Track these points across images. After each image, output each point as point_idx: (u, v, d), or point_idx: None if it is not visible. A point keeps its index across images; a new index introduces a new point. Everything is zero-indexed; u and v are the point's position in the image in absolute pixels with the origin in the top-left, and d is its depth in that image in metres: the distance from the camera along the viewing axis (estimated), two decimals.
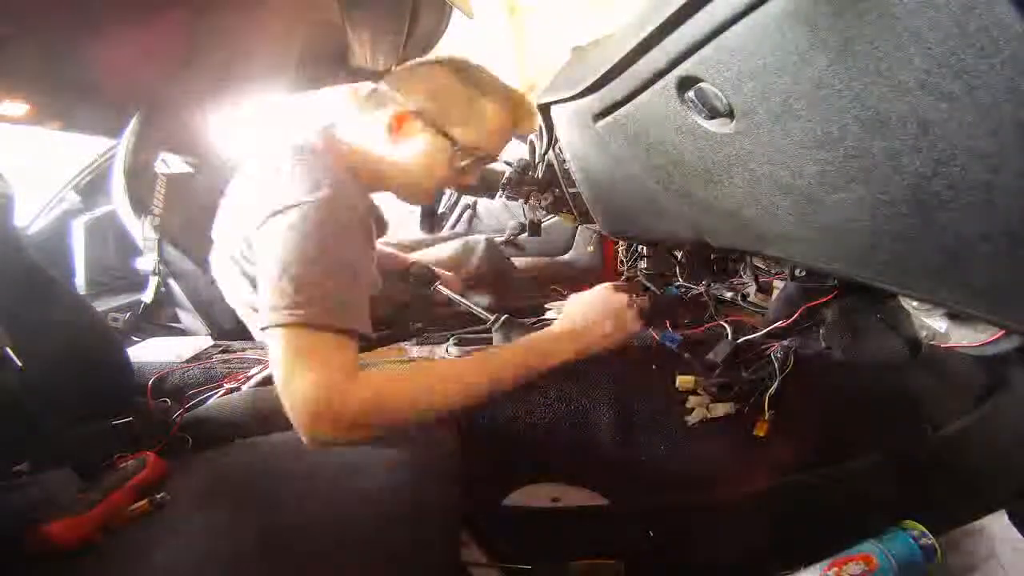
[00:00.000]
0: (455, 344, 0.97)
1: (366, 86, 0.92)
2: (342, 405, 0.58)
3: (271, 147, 0.82)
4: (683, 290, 1.20)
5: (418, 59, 0.91)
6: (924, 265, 0.42)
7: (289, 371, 0.60)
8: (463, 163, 0.88)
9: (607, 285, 0.81)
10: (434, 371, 0.70)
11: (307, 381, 0.59)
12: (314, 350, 0.62)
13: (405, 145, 0.85)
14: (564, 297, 1.07)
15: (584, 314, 0.77)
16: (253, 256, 0.78)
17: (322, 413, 0.58)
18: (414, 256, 1.29)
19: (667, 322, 1.01)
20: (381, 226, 1.00)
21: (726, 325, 1.00)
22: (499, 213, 1.93)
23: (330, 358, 0.62)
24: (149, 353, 1.03)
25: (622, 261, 1.44)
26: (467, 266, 1.35)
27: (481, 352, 0.74)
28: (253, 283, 0.83)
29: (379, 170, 0.87)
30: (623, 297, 0.79)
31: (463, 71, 0.86)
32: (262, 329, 0.65)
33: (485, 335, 0.95)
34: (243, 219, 0.80)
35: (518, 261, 1.70)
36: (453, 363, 0.73)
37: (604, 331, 0.76)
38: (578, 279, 1.75)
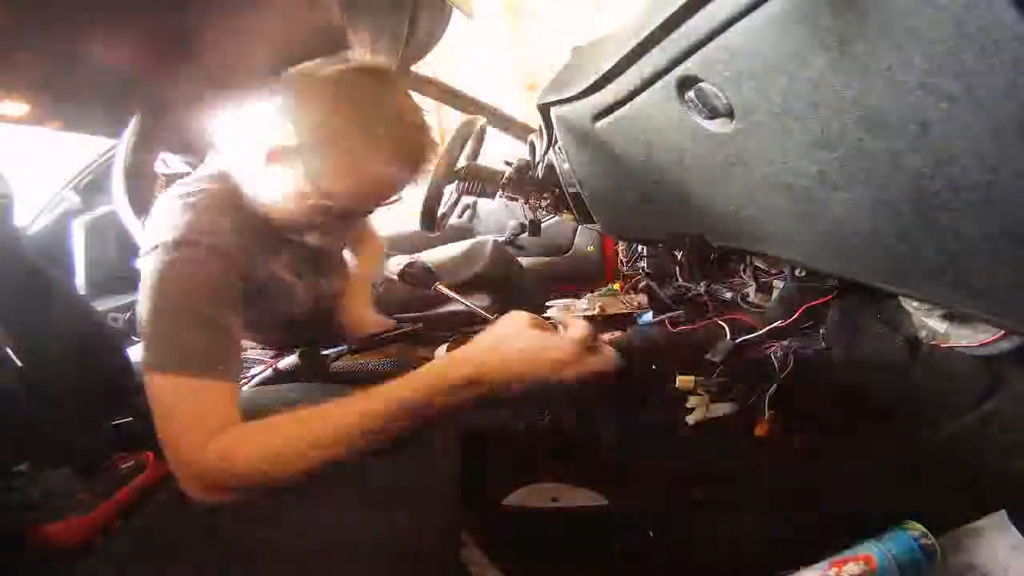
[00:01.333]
0: (454, 344, 0.97)
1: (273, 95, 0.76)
2: (196, 468, 0.57)
3: (170, 192, 0.76)
4: (682, 290, 1.20)
5: (306, 67, 0.75)
6: (924, 265, 0.42)
7: (157, 424, 0.60)
8: (332, 210, 0.73)
9: (531, 322, 0.61)
10: (300, 426, 0.59)
11: (165, 437, 0.59)
12: (167, 398, 0.61)
13: (274, 178, 0.72)
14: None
15: (499, 350, 0.60)
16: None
17: (184, 477, 0.57)
18: (421, 256, 1.29)
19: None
20: (325, 260, 0.92)
21: (724, 325, 1.00)
22: (499, 213, 1.93)
23: (183, 412, 0.60)
24: None
25: (622, 261, 1.44)
26: (475, 267, 1.35)
27: (358, 400, 0.59)
28: None
29: (254, 202, 0.75)
30: (563, 344, 0.58)
31: (350, 101, 0.69)
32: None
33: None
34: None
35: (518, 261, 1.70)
36: (334, 409, 0.59)
37: (516, 375, 0.58)
38: (578, 279, 1.75)
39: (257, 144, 0.73)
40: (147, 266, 0.68)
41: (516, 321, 0.61)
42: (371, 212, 0.81)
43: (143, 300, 0.66)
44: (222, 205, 0.73)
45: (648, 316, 0.99)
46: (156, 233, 0.69)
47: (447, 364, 0.60)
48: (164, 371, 0.62)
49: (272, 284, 0.80)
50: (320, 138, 0.69)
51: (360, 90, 0.70)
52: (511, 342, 0.59)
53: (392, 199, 0.77)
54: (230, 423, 0.60)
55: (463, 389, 0.58)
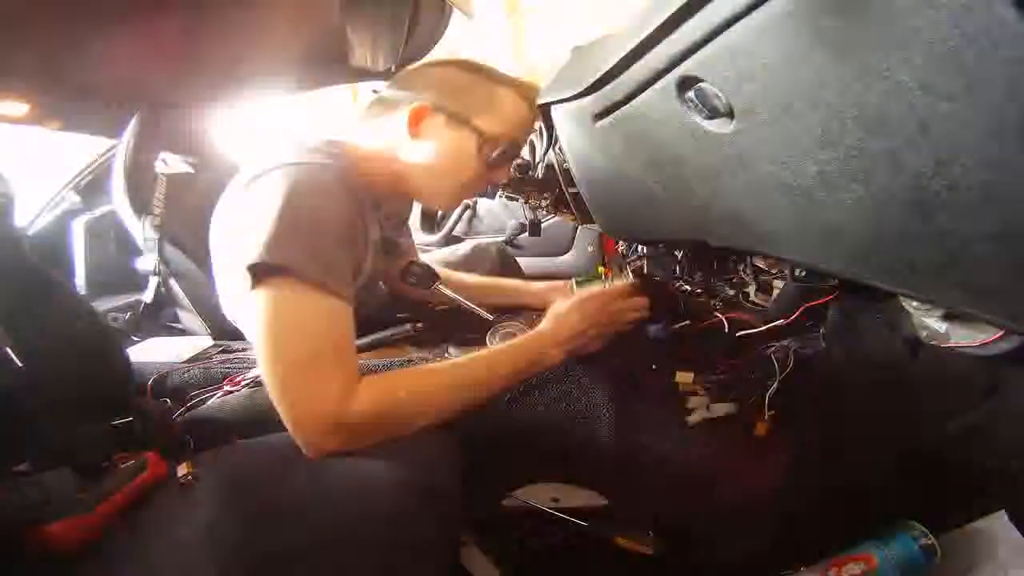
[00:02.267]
0: (455, 345, 0.97)
1: (373, 95, 0.88)
2: (345, 419, 0.56)
3: (269, 147, 0.81)
4: (683, 290, 1.20)
5: (421, 62, 0.91)
6: (924, 265, 0.42)
7: (282, 369, 0.57)
8: (493, 155, 0.83)
9: (589, 291, 0.83)
10: (433, 376, 0.69)
11: (305, 393, 0.56)
12: (310, 328, 0.57)
13: (427, 144, 0.80)
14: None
15: (568, 320, 0.78)
16: (237, 220, 0.72)
17: (324, 428, 0.56)
18: (424, 258, 1.29)
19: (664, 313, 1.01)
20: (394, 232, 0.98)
21: (724, 321, 1.00)
22: (499, 213, 1.93)
23: (329, 351, 0.58)
24: (149, 353, 1.03)
25: (623, 261, 1.44)
26: (479, 270, 1.34)
27: (476, 355, 0.72)
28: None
29: (398, 176, 0.83)
30: (608, 296, 0.82)
31: (472, 65, 0.85)
32: (249, 268, 0.59)
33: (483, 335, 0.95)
34: (232, 195, 0.78)
35: (519, 262, 1.70)
36: (451, 367, 0.71)
37: (588, 335, 0.78)
38: None
39: (386, 123, 0.81)
40: (273, 181, 0.65)
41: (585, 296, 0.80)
42: (517, 156, 0.91)
43: (271, 209, 0.62)
44: (334, 163, 0.75)
45: (661, 329, 1.00)
46: (275, 159, 0.69)
47: (533, 342, 0.76)
48: (305, 280, 0.58)
49: (360, 258, 0.81)
50: (468, 88, 0.81)
51: (471, 60, 0.86)
52: (576, 300, 0.79)
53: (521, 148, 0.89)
54: (355, 371, 0.61)
55: (548, 359, 0.75)
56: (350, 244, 0.70)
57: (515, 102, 0.84)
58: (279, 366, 0.57)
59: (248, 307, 0.61)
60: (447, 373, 0.69)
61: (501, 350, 0.75)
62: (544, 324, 0.79)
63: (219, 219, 0.84)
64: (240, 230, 0.66)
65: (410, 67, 0.89)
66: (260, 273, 0.59)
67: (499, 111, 0.82)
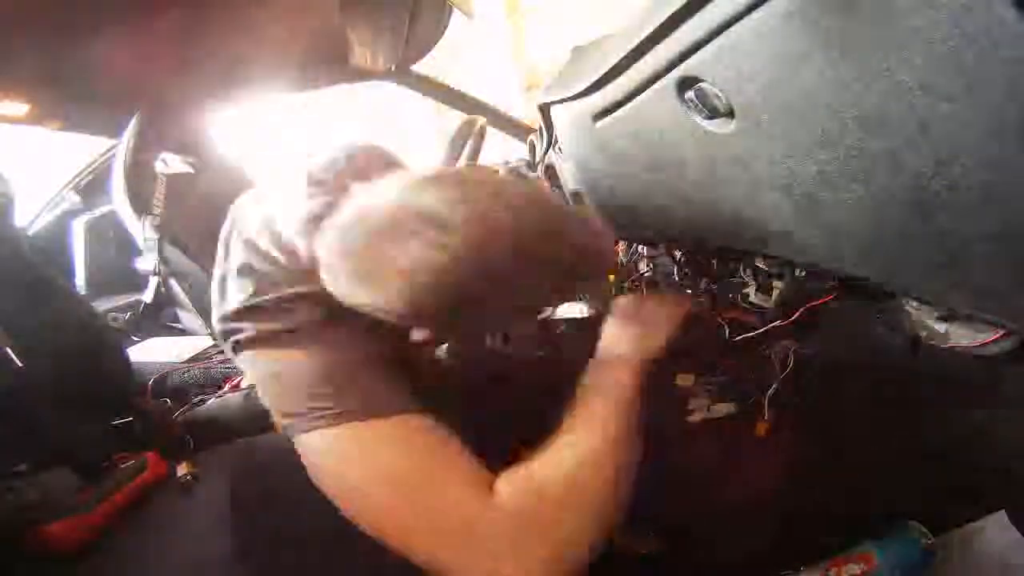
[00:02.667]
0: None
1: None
2: (500, 524, 0.44)
3: (290, 170, 0.62)
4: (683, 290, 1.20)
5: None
6: (924, 265, 0.42)
7: (394, 515, 0.45)
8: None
9: (631, 297, 0.73)
10: (565, 438, 0.53)
11: (446, 523, 0.44)
12: (401, 460, 0.46)
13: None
14: None
15: (630, 328, 0.67)
16: None
17: (485, 544, 0.43)
18: None
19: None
20: None
21: (723, 323, 1.00)
22: None
23: (444, 464, 0.47)
24: (149, 353, 1.03)
25: (622, 262, 1.44)
26: None
27: (589, 397, 0.58)
28: None
29: None
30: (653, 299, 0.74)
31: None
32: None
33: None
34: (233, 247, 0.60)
35: None
36: (574, 419, 0.56)
37: (655, 333, 0.67)
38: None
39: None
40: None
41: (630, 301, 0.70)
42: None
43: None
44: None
45: None
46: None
47: (632, 348, 0.66)
48: (366, 419, 0.46)
49: None
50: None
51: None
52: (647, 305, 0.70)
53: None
54: (481, 475, 0.47)
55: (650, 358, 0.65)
56: (367, 345, 0.53)
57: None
58: (404, 537, 0.46)
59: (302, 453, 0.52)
60: (575, 430, 0.54)
61: (594, 385, 0.60)
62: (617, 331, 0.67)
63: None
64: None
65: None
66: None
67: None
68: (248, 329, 0.52)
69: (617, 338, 0.66)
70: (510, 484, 0.47)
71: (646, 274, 1.18)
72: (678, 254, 1.16)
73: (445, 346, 0.87)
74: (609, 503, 0.50)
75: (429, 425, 0.49)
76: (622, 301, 0.72)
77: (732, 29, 0.39)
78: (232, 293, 0.55)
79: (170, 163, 1.22)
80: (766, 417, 0.84)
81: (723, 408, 0.87)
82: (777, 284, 1.04)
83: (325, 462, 0.48)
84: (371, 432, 0.46)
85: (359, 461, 0.46)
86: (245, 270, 0.55)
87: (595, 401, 0.57)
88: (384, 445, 0.46)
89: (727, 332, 0.99)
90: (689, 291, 1.06)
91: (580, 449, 0.51)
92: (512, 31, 3.05)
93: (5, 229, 0.72)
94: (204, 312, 1.16)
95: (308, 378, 0.49)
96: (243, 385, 0.86)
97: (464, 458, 0.48)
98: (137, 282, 1.31)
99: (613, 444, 0.53)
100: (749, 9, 0.36)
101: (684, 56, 0.45)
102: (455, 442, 0.50)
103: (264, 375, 0.52)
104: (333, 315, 0.52)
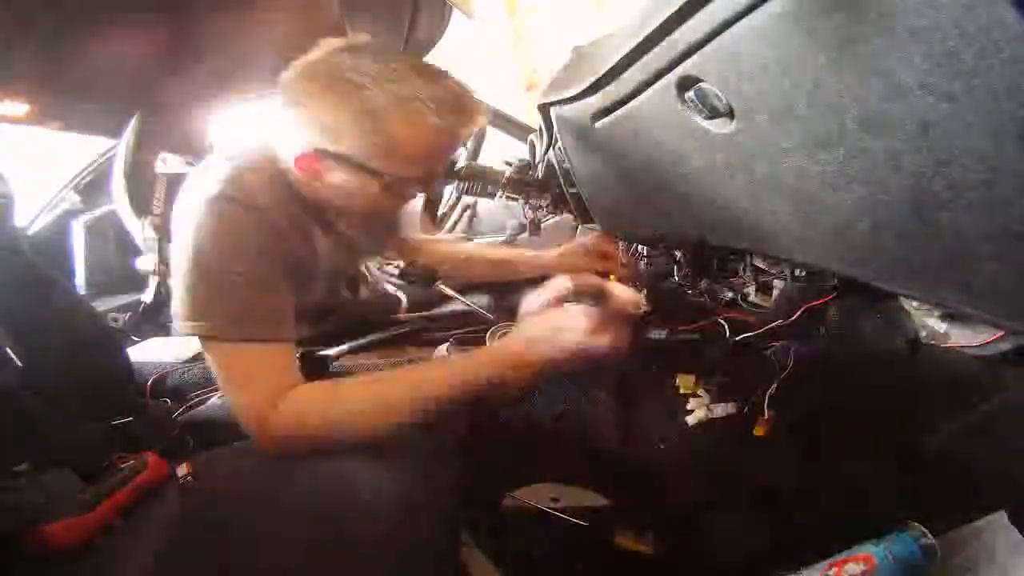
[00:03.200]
0: (454, 344, 0.97)
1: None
2: (267, 426, 0.61)
3: (215, 154, 0.77)
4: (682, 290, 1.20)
5: (295, 68, 0.68)
6: (924, 265, 0.42)
7: (223, 388, 0.66)
8: (404, 191, 0.73)
9: (574, 310, 0.67)
10: (383, 384, 0.66)
11: (237, 403, 0.63)
12: (234, 366, 0.65)
13: (326, 184, 0.70)
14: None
15: (541, 334, 0.66)
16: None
17: (254, 432, 0.62)
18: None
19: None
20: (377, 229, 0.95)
21: (724, 324, 1.00)
22: (499, 213, 1.93)
23: (251, 377, 0.64)
24: (149, 353, 1.03)
25: (622, 262, 1.44)
26: (476, 270, 1.34)
27: (412, 369, 0.74)
28: None
29: (313, 196, 0.73)
30: (583, 318, 0.65)
31: (346, 86, 0.64)
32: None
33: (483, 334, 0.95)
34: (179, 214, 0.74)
35: None
36: (405, 375, 0.68)
37: (557, 352, 0.64)
38: None
39: (283, 157, 0.71)
40: (192, 221, 0.66)
41: (567, 314, 0.67)
42: (434, 178, 0.76)
43: (187, 262, 0.65)
44: (267, 172, 0.70)
45: (662, 332, 1.00)
46: (200, 187, 0.68)
47: (502, 347, 0.68)
48: (229, 341, 0.64)
49: (308, 263, 0.77)
50: (358, 128, 0.64)
51: (353, 70, 0.64)
52: (552, 320, 0.67)
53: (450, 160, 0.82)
54: (295, 382, 0.65)
55: (517, 368, 0.65)
56: (265, 278, 0.66)
57: (414, 134, 0.65)
58: (223, 390, 0.68)
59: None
60: (384, 383, 0.66)
61: (464, 358, 0.69)
62: (492, 343, 0.77)
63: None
64: (174, 275, 0.69)
65: (287, 78, 0.69)
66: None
67: (395, 150, 0.66)
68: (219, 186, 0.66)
69: (520, 334, 0.68)
70: (289, 403, 0.62)
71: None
72: (678, 254, 1.16)
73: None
74: (348, 439, 0.62)
75: (272, 352, 0.65)
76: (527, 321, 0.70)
77: (732, 29, 0.39)
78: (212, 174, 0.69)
79: (170, 163, 1.22)
80: (766, 417, 0.84)
81: (723, 408, 0.87)
82: (777, 284, 1.04)
83: (204, 350, 0.67)
84: (230, 349, 0.65)
85: (222, 361, 0.65)
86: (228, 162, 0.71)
87: (436, 375, 0.66)
88: (239, 357, 0.65)
89: (727, 332, 0.99)
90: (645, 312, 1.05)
91: (377, 406, 0.63)
92: (512, 31, 3.05)
93: (5, 229, 0.72)
94: None
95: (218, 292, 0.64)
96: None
97: (274, 378, 0.64)
98: (137, 282, 1.31)
99: (406, 416, 0.63)
100: (749, 9, 0.36)
101: (684, 56, 0.45)
102: (288, 362, 0.67)
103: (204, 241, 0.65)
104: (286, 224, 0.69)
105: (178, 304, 0.66)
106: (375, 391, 0.65)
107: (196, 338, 0.67)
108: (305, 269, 0.76)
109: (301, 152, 0.68)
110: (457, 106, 0.66)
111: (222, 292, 0.64)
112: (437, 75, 0.67)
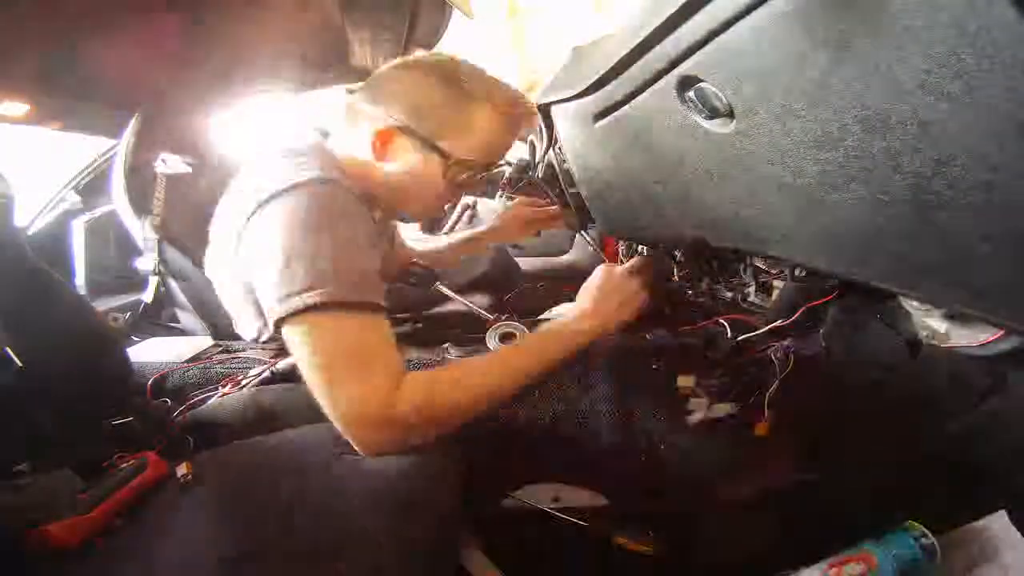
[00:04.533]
0: (454, 345, 0.97)
1: (347, 97, 0.83)
2: (393, 413, 0.58)
3: (264, 151, 0.80)
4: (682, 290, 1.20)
5: (395, 61, 0.80)
6: (924, 265, 0.42)
7: (328, 377, 0.59)
8: (462, 176, 0.81)
9: (605, 267, 0.83)
10: (474, 368, 0.69)
11: (352, 392, 0.58)
12: (351, 341, 0.59)
13: (393, 163, 0.78)
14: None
15: (593, 296, 0.79)
16: (244, 253, 0.71)
17: (374, 425, 0.58)
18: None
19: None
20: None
21: (724, 323, 1.00)
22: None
23: (371, 355, 0.60)
24: (149, 353, 1.03)
25: (622, 261, 1.44)
26: (477, 269, 1.35)
27: (516, 343, 0.80)
28: (247, 287, 0.75)
29: (371, 186, 0.80)
30: (623, 272, 0.83)
31: (447, 74, 0.76)
32: (276, 324, 0.62)
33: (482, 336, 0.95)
34: (233, 217, 0.75)
35: (519, 261, 1.70)
36: (494, 355, 0.75)
37: (615, 307, 0.79)
38: (578, 279, 1.75)
39: (357, 135, 0.79)
40: (287, 203, 0.64)
41: (601, 273, 0.82)
42: (497, 166, 0.88)
43: (293, 236, 0.62)
44: (327, 167, 0.73)
45: (664, 334, 1.01)
46: (283, 177, 0.67)
47: (572, 321, 0.78)
48: (351, 309, 0.60)
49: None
50: (437, 108, 0.75)
51: (448, 64, 0.78)
52: (596, 280, 0.82)
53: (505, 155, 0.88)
54: (403, 368, 0.62)
55: (587, 333, 0.77)
56: (372, 246, 0.69)
57: (490, 123, 0.78)
58: (324, 384, 0.59)
59: (287, 339, 0.63)
60: (487, 363, 0.70)
61: (538, 334, 0.78)
62: (571, 309, 0.81)
63: (221, 240, 0.80)
64: (267, 261, 0.64)
65: (385, 68, 0.80)
66: (293, 317, 0.61)
67: (470, 135, 0.77)
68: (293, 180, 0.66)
69: (577, 311, 0.79)
70: (413, 386, 0.60)
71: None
72: (678, 254, 1.16)
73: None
74: (466, 421, 0.64)
75: (382, 324, 0.64)
76: (595, 278, 0.83)
77: (732, 29, 0.39)
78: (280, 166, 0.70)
79: (170, 163, 1.22)
80: (766, 417, 0.84)
81: (723, 408, 0.87)
82: (777, 284, 1.04)
83: (309, 336, 0.61)
84: (341, 320, 0.61)
85: (329, 339, 0.60)
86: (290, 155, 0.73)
87: (522, 353, 0.73)
88: (351, 330, 0.61)
89: (728, 332, 0.99)
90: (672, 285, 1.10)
91: (482, 386, 0.66)
92: (512, 31, 3.05)
93: (5, 229, 0.72)
94: (204, 312, 1.16)
95: (315, 256, 0.62)
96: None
97: (392, 358, 0.62)
98: (137, 282, 1.31)
99: (508, 393, 0.68)
100: (749, 9, 0.36)
101: (684, 56, 0.45)
102: (390, 342, 0.64)
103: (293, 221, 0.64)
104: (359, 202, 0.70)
105: (279, 286, 0.61)
106: (484, 371, 0.67)
107: (205, 338, 0.66)
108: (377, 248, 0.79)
109: (383, 126, 0.76)
110: (523, 109, 0.81)
111: (335, 258, 0.61)
112: (503, 82, 0.81)
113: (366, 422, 0.58)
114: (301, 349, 0.60)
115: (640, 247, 1.23)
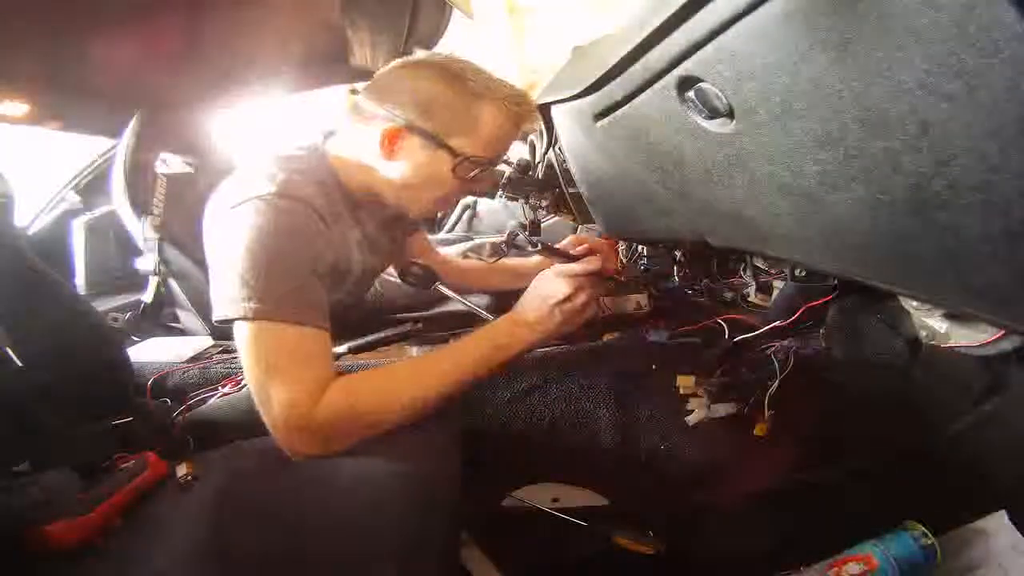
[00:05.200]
0: None
1: (352, 97, 0.86)
2: (313, 420, 0.61)
3: (259, 153, 0.82)
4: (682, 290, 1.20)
5: (400, 61, 0.82)
6: (924, 265, 0.42)
7: (260, 380, 0.63)
8: (468, 175, 0.82)
9: (554, 275, 0.76)
10: (402, 372, 0.70)
11: (278, 397, 0.61)
12: (281, 350, 0.64)
13: (401, 163, 0.79)
14: None
15: (536, 307, 0.75)
16: (211, 253, 0.75)
17: (295, 429, 0.61)
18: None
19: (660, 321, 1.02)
20: (394, 227, 1.00)
21: (723, 324, 1.00)
22: (499, 213, 1.93)
23: (298, 367, 0.63)
24: (149, 353, 1.03)
25: (622, 261, 1.44)
26: None
27: (441, 349, 0.75)
28: None
29: (376, 185, 0.82)
30: (572, 284, 0.74)
31: (453, 73, 0.78)
32: (217, 321, 0.67)
33: None
34: (212, 218, 0.78)
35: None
36: (419, 362, 0.74)
37: (557, 322, 0.74)
38: None
39: (363, 134, 0.79)
40: (245, 216, 0.68)
41: (542, 278, 0.77)
42: (494, 165, 0.88)
43: (241, 249, 0.66)
44: (312, 171, 0.77)
45: (663, 335, 1.01)
46: (251, 186, 0.70)
47: (500, 326, 0.75)
48: (278, 321, 0.64)
49: (343, 259, 0.82)
50: (445, 106, 0.77)
51: (454, 63, 0.79)
52: (540, 289, 0.76)
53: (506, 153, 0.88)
54: (334, 373, 0.66)
55: (523, 344, 0.74)
56: (315, 271, 0.71)
57: (495, 120, 0.79)
58: (255, 384, 0.64)
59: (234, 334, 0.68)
60: (410, 369, 0.71)
61: (465, 340, 0.74)
62: (510, 314, 0.78)
63: (207, 234, 0.81)
64: (218, 265, 0.70)
65: (390, 67, 0.82)
66: (230, 320, 0.67)
67: (477, 132, 0.79)
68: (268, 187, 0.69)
69: (519, 317, 0.76)
70: (334, 394, 0.63)
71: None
72: (678, 254, 1.16)
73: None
74: (386, 428, 0.65)
75: (313, 338, 0.66)
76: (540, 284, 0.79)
77: (732, 29, 0.39)
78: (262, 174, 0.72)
79: (170, 163, 1.22)
80: (766, 417, 0.84)
81: (723, 408, 0.87)
82: (777, 284, 1.04)
83: (244, 340, 0.65)
84: (275, 330, 0.64)
85: (261, 344, 0.64)
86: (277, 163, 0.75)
87: (451, 359, 0.71)
88: (282, 340, 0.64)
89: (727, 332, 0.99)
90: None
91: (406, 393, 0.67)
92: (512, 31, 3.05)
93: (5, 229, 0.72)
94: (204, 312, 1.16)
95: (262, 268, 0.65)
96: None
97: (318, 368, 0.65)
98: (137, 282, 1.31)
99: (432, 401, 0.67)
100: (749, 9, 0.36)
101: (684, 56, 0.45)
102: (320, 355, 0.67)
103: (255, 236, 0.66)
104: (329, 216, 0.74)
105: (225, 289, 0.66)
106: (406, 378, 0.68)
107: (205, 338, 0.67)
108: (339, 268, 0.81)
109: (390, 126, 0.77)
110: (527, 106, 0.82)
111: (276, 275, 0.65)
112: (506, 80, 0.82)
113: (288, 427, 0.61)
114: (240, 349, 0.66)
115: (640, 247, 1.23)
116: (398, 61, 0.82)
